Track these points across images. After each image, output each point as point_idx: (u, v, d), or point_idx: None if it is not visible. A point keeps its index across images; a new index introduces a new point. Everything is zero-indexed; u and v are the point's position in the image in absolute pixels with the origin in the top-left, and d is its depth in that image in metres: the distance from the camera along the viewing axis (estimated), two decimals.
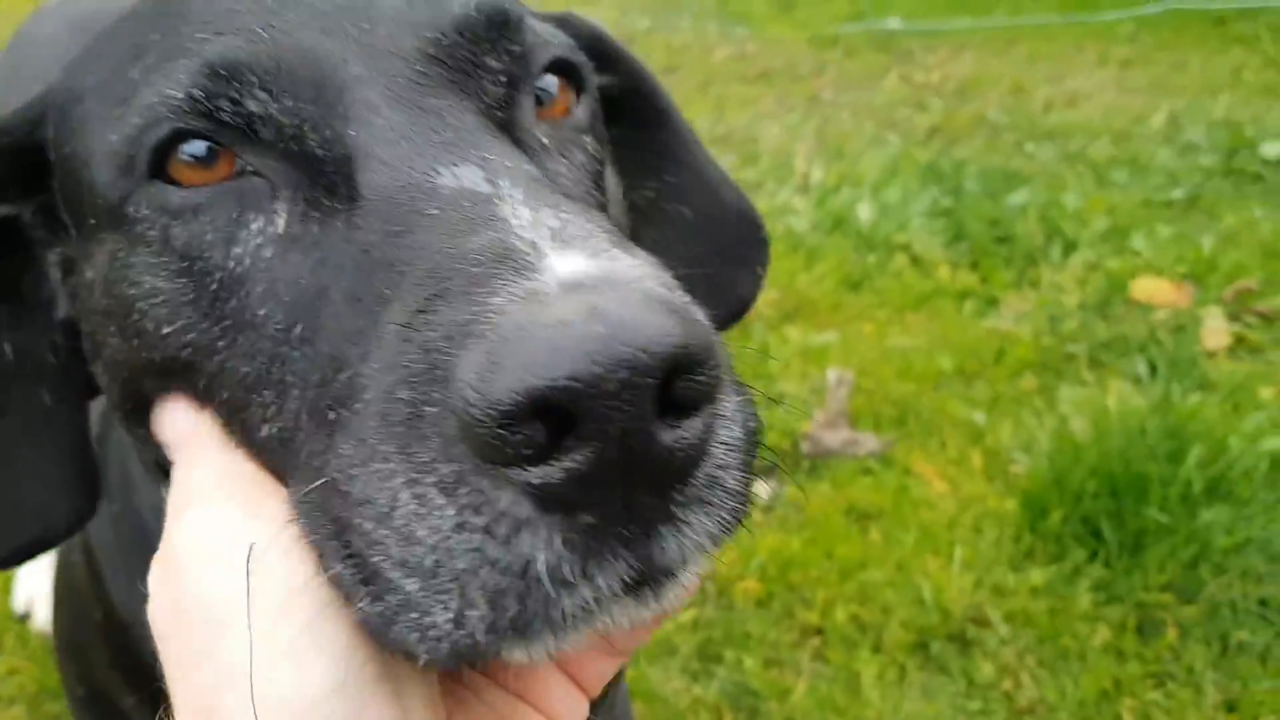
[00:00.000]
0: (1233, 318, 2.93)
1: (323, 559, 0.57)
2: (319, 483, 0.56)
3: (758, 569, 2.28)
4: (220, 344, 0.66)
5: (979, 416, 2.68)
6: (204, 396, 0.68)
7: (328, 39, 0.68)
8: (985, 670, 2.07)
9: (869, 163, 3.94)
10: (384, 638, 0.55)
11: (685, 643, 2.12)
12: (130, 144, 0.68)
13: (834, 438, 2.68)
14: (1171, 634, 2.07)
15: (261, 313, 0.64)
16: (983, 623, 2.16)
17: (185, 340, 0.67)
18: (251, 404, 0.64)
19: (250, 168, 0.67)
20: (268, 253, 0.65)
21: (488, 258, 0.53)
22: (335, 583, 0.56)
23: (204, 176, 0.67)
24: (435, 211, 0.58)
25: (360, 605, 0.55)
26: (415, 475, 0.51)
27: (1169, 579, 2.14)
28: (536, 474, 0.48)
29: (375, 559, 0.53)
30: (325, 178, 0.65)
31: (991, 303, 3.09)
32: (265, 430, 0.63)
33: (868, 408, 2.76)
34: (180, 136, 0.67)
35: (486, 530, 0.50)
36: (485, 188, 0.59)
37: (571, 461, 0.48)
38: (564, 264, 0.52)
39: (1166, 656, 2.05)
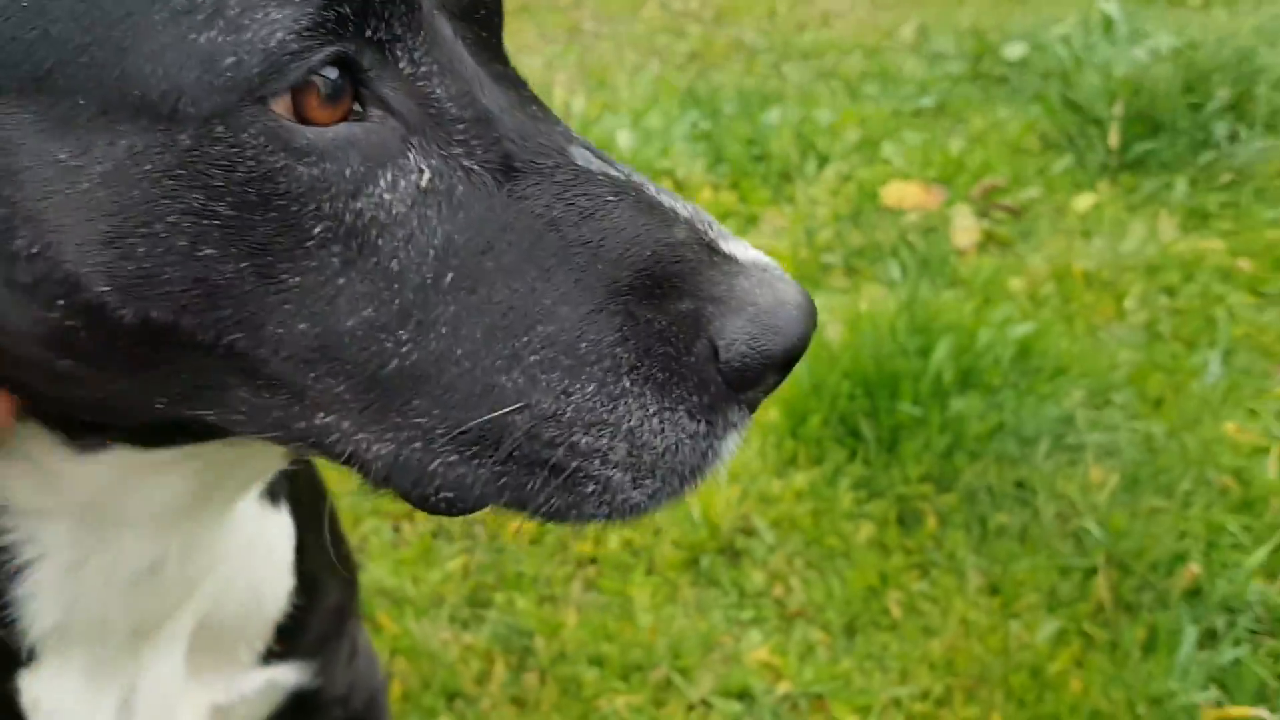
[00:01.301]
0: (981, 215, 3.01)
1: (508, 476, 0.67)
2: (517, 405, 0.66)
3: None
4: (308, 284, 0.62)
5: None
6: (247, 342, 0.63)
7: None
8: (755, 579, 2.06)
9: (629, 91, 3.88)
10: (559, 521, 0.69)
11: (454, 592, 2.03)
12: (262, 59, 0.57)
13: None
14: (932, 523, 2.11)
15: (398, 262, 0.63)
16: (750, 532, 2.15)
17: (233, 274, 0.60)
18: (359, 345, 0.64)
19: (378, 107, 0.63)
20: (404, 204, 0.63)
21: (699, 247, 0.68)
22: (509, 491, 0.68)
23: (329, 114, 0.61)
24: (611, 198, 0.67)
25: (545, 504, 0.68)
26: (672, 403, 0.67)
27: (926, 470, 2.18)
28: (754, 393, 0.70)
29: (583, 461, 0.67)
30: (464, 136, 0.65)
31: (752, 220, 3.09)
32: (391, 364, 0.64)
33: None
34: (338, 62, 0.60)
35: (713, 432, 0.69)
36: (614, 171, 0.69)
37: (770, 383, 0.70)
38: (740, 250, 0.70)
39: (929, 546, 2.09)
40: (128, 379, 0.65)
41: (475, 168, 0.65)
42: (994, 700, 1.79)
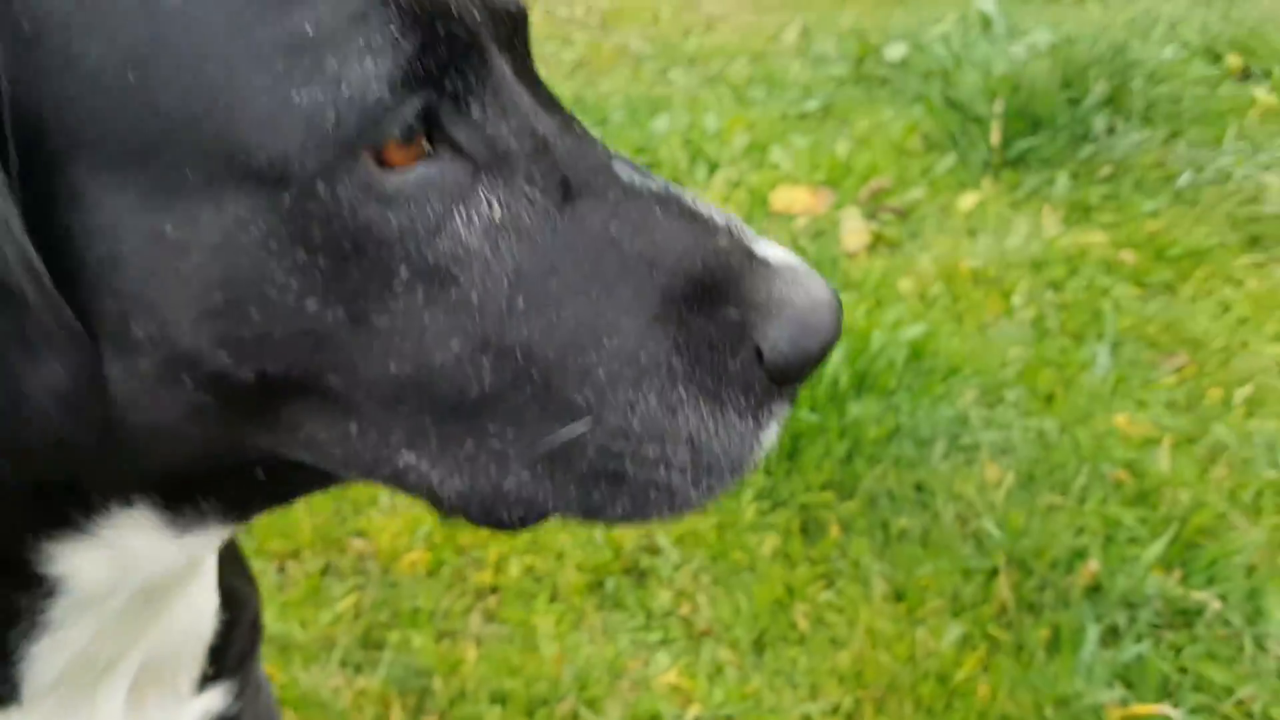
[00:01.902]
0: (869, 217, 3.02)
1: (576, 488, 0.71)
2: (584, 422, 0.68)
3: (424, 538, 2.14)
4: (399, 325, 0.64)
5: None
6: (343, 385, 0.65)
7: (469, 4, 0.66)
8: (662, 598, 2.02)
9: None
10: (626, 523, 0.73)
11: (346, 633, 1.95)
12: (359, 115, 0.59)
13: None
14: (835, 531, 2.09)
15: (476, 294, 0.65)
16: (655, 550, 2.10)
17: (332, 323, 0.63)
18: (446, 376, 0.66)
19: (448, 148, 0.65)
20: (478, 238, 0.65)
21: (740, 254, 0.72)
22: (579, 502, 0.71)
23: (406, 155, 0.62)
24: (659, 213, 0.71)
25: (613, 510, 0.72)
26: (721, 406, 0.70)
27: (827, 477, 2.16)
28: (793, 387, 0.74)
29: (647, 470, 0.70)
30: (525, 167, 0.67)
31: None
32: (473, 391, 0.67)
33: None
34: (427, 112, 0.62)
35: (758, 426, 0.72)
36: (654, 184, 0.73)
37: (808, 375, 0.74)
38: (775, 252, 0.74)
39: (833, 555, 2.06)
40: (240, 429, 0.67)
41: (538, 196, 0.68)
42: (903, 711, 1.77)
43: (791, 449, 2.21)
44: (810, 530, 2.12)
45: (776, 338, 0.71)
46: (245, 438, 0.68)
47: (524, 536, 2.13)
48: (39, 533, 0.72)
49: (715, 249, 0.71)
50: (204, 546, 0.78)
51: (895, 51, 3.84)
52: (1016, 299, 2.63)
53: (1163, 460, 2.15)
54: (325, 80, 0.58)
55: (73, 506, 0.70)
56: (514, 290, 0.67)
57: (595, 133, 2.87)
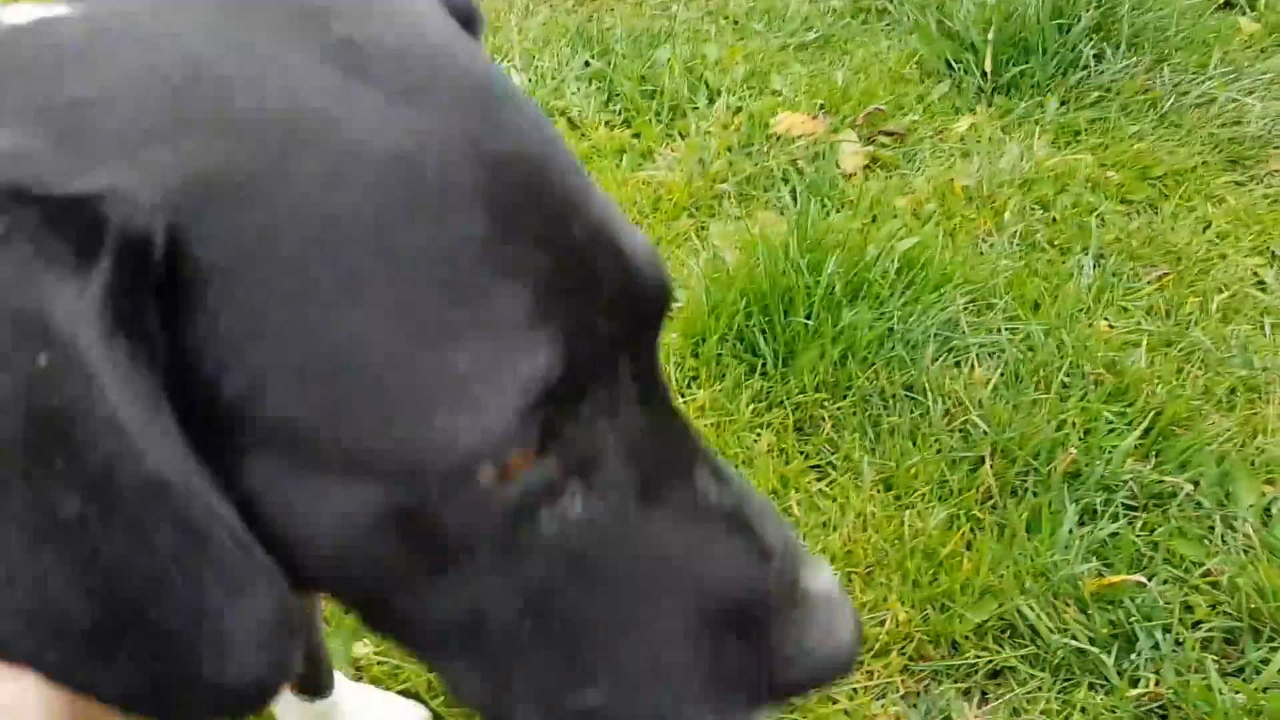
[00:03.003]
0: (866, 141, 3.10)
1: None
2: (588, 689, 0.73)
3: None
4: (461, 585, 0.68)
5: None
6: (403, 609, 0.71)
7: None
8: None
9: (521, 34, 3.88)
10: None
11: None
12: (492, 444, 0.62)
13: None
14: (828, 428, 2.21)
15: (539, 573, 0.68)
16: None
17: (415, 575, 0.68)
18: (491, 627, 0.70)
19: (556, 452, 0.66)
20: (554, 528, 0.67)
21: (785, 591, 0.74)
22: None
23: (520, 463, 0.64)
24: (721, 533, 0.73)
25: None
26: (723, 711, 0.74)
27: (821, 379, 2.27)
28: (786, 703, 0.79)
29: None
30: (614, 466, 0.69)
31: (646, 155, 3.13)
32: (508, 644, 0.71)
33: None
34: (546, 424, 0.64)
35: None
36: (727, 500, 0.74)
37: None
38: (815, 582, 0.76)
39: (826, 449, 2.18)
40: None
41: (615, 498, 0.69)
42: (891, 583, 1.89)
43: (786, 353, 2.32)
44: (804, 428, 2.24)
45: (795, 676, 0.75)
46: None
47: None
48: None
49: (762, 580, 0.74)
50: None
51: None
52: (1007, 216, 2.73)
53: (1141, 360, 2.26)
54: (468, 409, 0.60)
55: None
56: (567, 577, 0.69)
57: (597, 65, 2.93)
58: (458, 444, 0.61)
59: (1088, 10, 3.27)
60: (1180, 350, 2.32)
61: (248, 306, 0.58)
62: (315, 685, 1.51)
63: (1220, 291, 2.50)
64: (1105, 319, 2.40)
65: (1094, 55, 3.24)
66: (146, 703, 0.62)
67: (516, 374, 0.61)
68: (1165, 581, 1.85)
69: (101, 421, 0.55)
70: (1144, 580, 1.83)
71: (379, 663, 1.81)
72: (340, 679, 1.61)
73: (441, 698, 1.76)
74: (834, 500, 2.08)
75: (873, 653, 1.82)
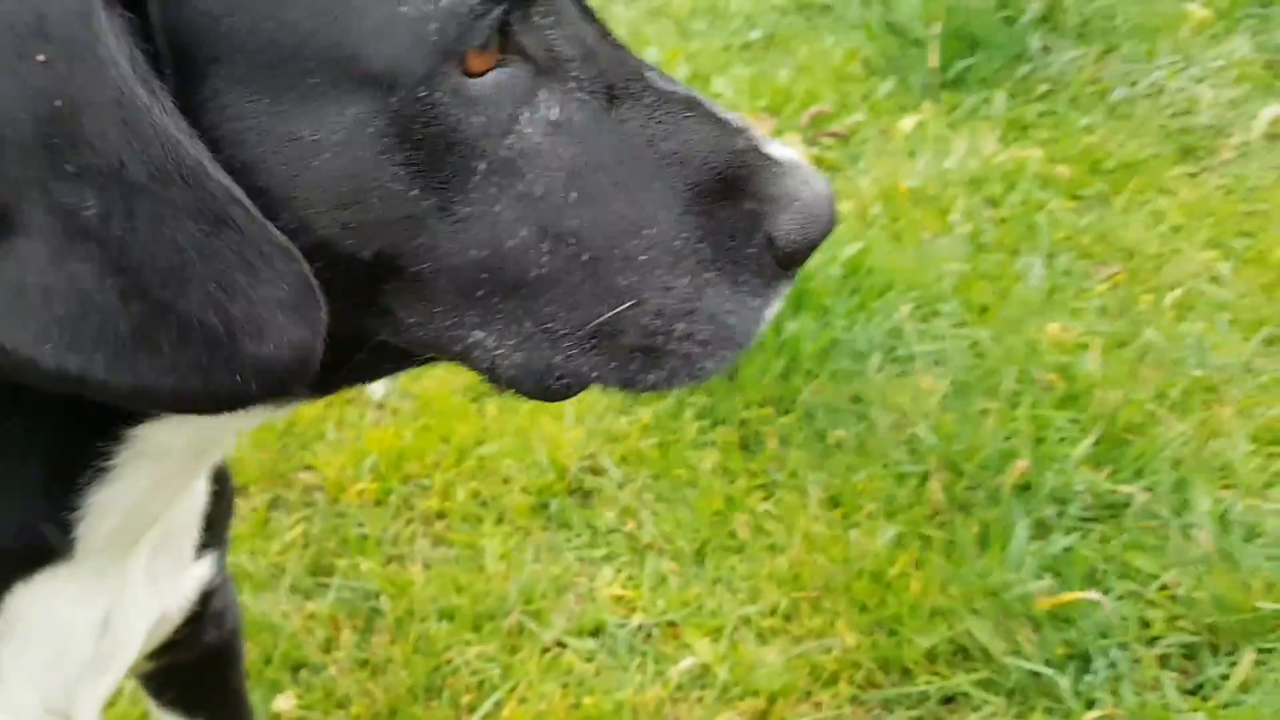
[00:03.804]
0: (811, 142, 3.03)
1: (616, 362, 0.80)
2: (629, 304, 0.78)
3: (371, 468, 2.16)
4: (476, 213, 0.73)
5: None
6: (431, 268, 0.74)
7: None
8: (606, 516, 2.05)
9: None
10: (654, 391, 0.82)
11: (294, 562, 1.97)
12: (457, 24, 0.68)
13: None
14: (773, 444, 2.13)
15: (539, 187, 0.74)
16: (599, 471, 2.14)
17: (427, 209, 0.71)
18: (513, 259, 0.75)
19: (517, 54, 0.73)
20: (541, 136, 0.74)
21: (754, 153, 0.81)
22: (617, 373, 0.80)
23: (484, 62, 0.70)
24: (686, 116, 0.80)
25: (645, 380, 0.81)
26: (737, 287, 0.80)
27: (766, 393, 2.20)
28: (795, 269, 0.84)
29: (676, 344, 0.79)
30: (576, 72, 0.76)
31: None
32: (533, 273, 0.75)
33: None
34: (502, 22, 0.70)
35: (765, 303, 0.82)
36: (681, 90, 0.82)
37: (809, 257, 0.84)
38: (782, 152, 0.82)
39: (772, 466, 2.10)
40: (348, 310, 0.73)
41: (587, 99, 0.77)
42: (838, 608, 1.82)
43: (732, 369, 2.24)
44: (749, 445, 2.16)
45: (787, 227, 0.81)
46: (351, 318, 0.74)
47: (468, 462, 2.16)
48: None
49: (735, 149, 0.81)
50: (280, 417, 0.89)
51: None
52: (954, 216, 2.67)
53: (1092, 363, 2.19)
54: None
55: None
56: (569, 183, 0.75)
57: None
58: (423, 31, 0.67)
59: (1034, 1, 3.21)
60: (1133, 351, 2.26)
61: None
62: None
63: (1174, 288, 2.44)
64: (1056, 321, 2.34)
65: (1042, 47, 3.18)
66: (200, 396, 0.65)
67: None
68: (1121, 597, 1.78)
69: (109, 107, 0.59)
70: (1099, 597, 1.76)
71: (300, 718, 1.72)
72: None
73: None
74: (780, 521, 2.00)
75: (821, 682, 1.75)
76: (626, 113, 0.79)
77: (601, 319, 0.78)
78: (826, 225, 0.83)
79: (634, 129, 0.79)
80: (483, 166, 0.72)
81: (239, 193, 0.64)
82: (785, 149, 0.84)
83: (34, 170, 0.59)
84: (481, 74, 0.70)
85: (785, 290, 0.85)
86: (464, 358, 0.80)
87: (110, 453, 0.81)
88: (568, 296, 0.77)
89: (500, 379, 0.80)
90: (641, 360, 0.80)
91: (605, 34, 0.80)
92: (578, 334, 0.78)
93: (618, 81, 0.78)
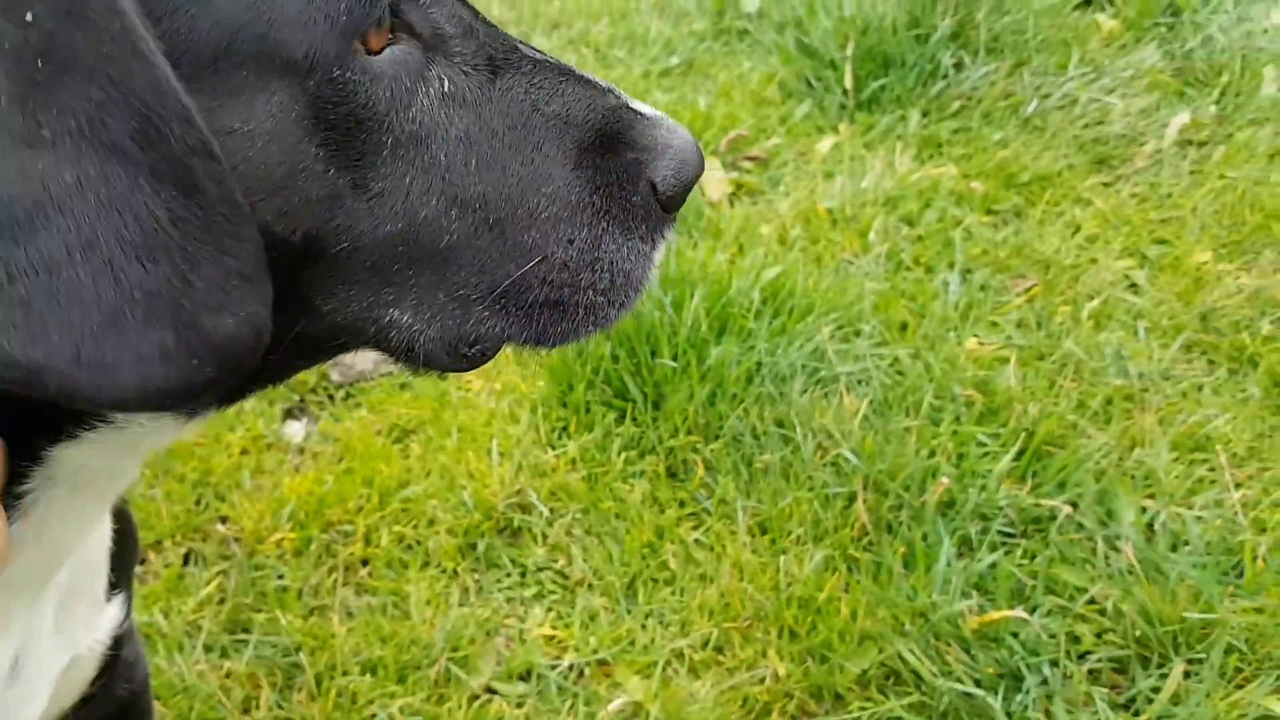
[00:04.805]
0: (730, 166, 3.03)
1: (527, 318, 0.85)
2: (536, 260, 0.83)
3: (290, 516, 2.10)
4: (388, 187, 0.76)
5: None
6: (349, 247, 0.76)
7: None
8: (536, 554, 2.02)
9: None
10: (563, 343, 0.87)
11: (211, 620, 1.91)
12: (361, 5, 0.72)
13: (364, 359, 2.52)
14: (701, 472, 2.11)
15: (444, 156, 0.79)
16: (527, 508, 2.10)
17: (344, 187, 0.74)
18: (425, 230, 0.79)
19: (405, 31, 0.78)
20: (437, 108, 0.78)
21: (626, 109, 0.87)
22: (528, 330, 0.85)
23: (380, 40, 0.75)
24: (562, 80, 0.86)
25: (555, 332, 0.86)
26: (629, 234, 0.86)
27: (692, 420, 2.18)
28: (676, 213, 0.90)
29: (580, 294, 0.85)
30: (459, 48, 0.81)
31: None
32: (444, 241, 0.80)
33: None
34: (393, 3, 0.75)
35: (654, 248, 0.89)
36: (549, 58, 0.87)
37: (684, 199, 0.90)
38: (646, 108, 0.89)
39: (700, 495, 2.08)
40: (275, 298, 0.71)
41: (472, 72, 0.81)
42: (769, 637, 1.80)
43: (656, 396, 2.22)
44: (677, 473, 2.14)
45: (665, 173, 0.88)
46: (275, 309, 0.72)
47: (392, 505, 2.12)
48: (69, 424, 0.76)
49: (610, 106, 0.87)
50: (193, 431, 0.86)
51: (751, 4, 3.86)
52: (872, 236, 2.67)
53: (1011, 377, 2.20)
54: None
55: None
56: (468, 151, 0.80)
57: None
58: (334, 16, 0.71)
59: (945, 18, 3.24)
60: (1053, 363, 2.27)
61: None
62: None
63: (1091, 298, 2.46)
64: (975, 335, 2.35)
65: (954, 64, 3.21)
66: (160, 384, 0.61)
67: None
68: (1049, 613, 1.78)
69: (100, 58, 0.59)
70: (1026, 615, 1.75)
71: None
72: None
73: None
74: (710, 550, 1.98)
75: (754, 714, 1.72)
76: (509, 82, 0.84)
77: (510, 278, 0.82)
78: (698, 168, 0.90)
79: (518, 96, 0.84)
80: (390, 141, 0.75)
81: (215, 146, 0.64)
82: (649, 106, 0.91)
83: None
84: (378, 52, 0.75)
85: (669, 234, 0.91)
86: (381, 340, 0.81)
87: (26, 476, 0.77)
88: (477, 260, 0.81)
89: (417, 356, 0.82)
90: (549, 314, 0.85)
91: (477, 14, 0.85)
92: (489, 297, 0.82)
93: (497, 54, 0.83)
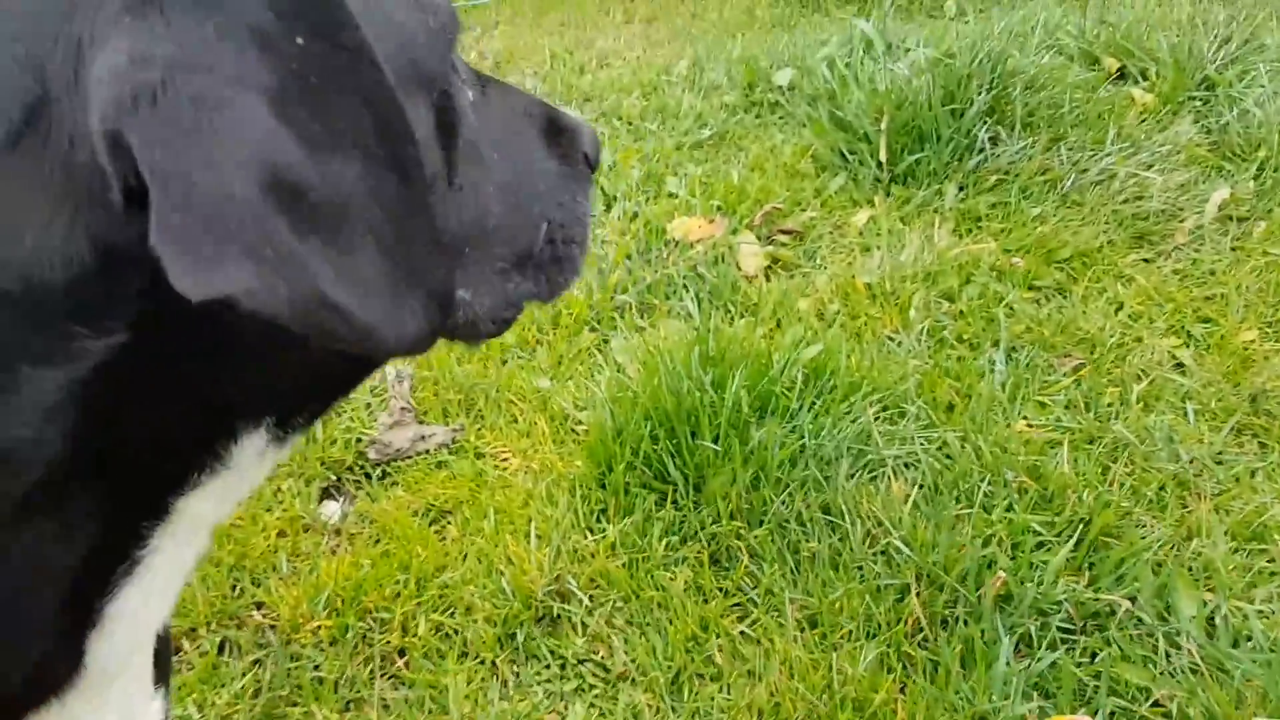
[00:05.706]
0: (765, 240, 3.01)
1: (544, 275, 0.98)
2: (546, 224, 0.98)
3: (327, 603, 2.06)
4: (465, 181, 0.87)
5: (545, 383, 2.59)
6: (445, 239, 0.87)
7: None
8: (576, 645, 1.96)
9: None
10: (564, 290, 1.01)
11: (244, 713, 1.86)
12: (454, 20, 0.85)
13: (401, 436, 2.49)
14: (745, 560, 2.06)
15: (483, 150, 0.90)
16: (566, 596, 2.05)
17: (447, 186, 0.86)
18: (483, 215, 0.90)
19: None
20: (473, 113, 0.90)
21: (551, 105, 1.05)
22: (544, 286, 0.98)
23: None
24: (513, 91, 1.02)
25: (560, 284, 1.00)
26: (585, 193, 1.04)
27: (735, 505, 2.13)
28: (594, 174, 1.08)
29: (570, 249, 1.01)
30: (463, 73, 0.91)
31: None
32: (491, 223, 0.91)
33: (434, 398, 2.60)
34: None
35: (590, 202, 1.05)
36: (498, 78, 1.02)
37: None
38: (569, 111, 1.08)
39: (745, 584, 2.03)
40: None
41: (477, 90, 0.94)
42: None
43: (697, 479, 2.18)
44: (721, 560, 2.09)
45: (589, 145, 1.06)
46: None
47: (430, 591, 2.07)
48: (193, 467, 0.78)
49: (547, 104, 1.05)
50: (271, 470, 0.91)
51: (783, 77, 3.87)
52: (912, 312, 2.64)
53: (1064, 462, 2.15)
54: (434, 9, 0.83)
55: (223, 434, 0.78)
56: (494, 145, 0.93)
57: None
58: (445, 37, 0.83)
59: (980, 94, 3.23)
60: (1104, 447, 2.22)
61: None
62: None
63: (1139, 379, 2.42)
64: (1023, 417, 2.30)
65: (989, 138, 3.20)
66: (413, 331, 0.67)
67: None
68: (1112, 714, 1.71)
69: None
70: (1090, 719, 1.69)
71: None
72: None
73: None
74: (757, 643, 1.92)
75: None
76: (492, 94, 0.99)
77: (534, 244, 0.96)
78: (596, 142, 1.09)
79: (499, 100, 0.99)
80: (464, 139, 0.87)
81: (416, 138, 0.72)
82: (566, 109, 1.11)
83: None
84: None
85: (592, 191, 1.09)
86: (452, 326, 0.92)
87: (148, 535, 0.78)
88: (510, 235, 0.94)
89: (473, 328, 0.92)
90: (553, 269, 0.99)
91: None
92: (517, 264, 0.95)
93: (476, 77, 0.97)
